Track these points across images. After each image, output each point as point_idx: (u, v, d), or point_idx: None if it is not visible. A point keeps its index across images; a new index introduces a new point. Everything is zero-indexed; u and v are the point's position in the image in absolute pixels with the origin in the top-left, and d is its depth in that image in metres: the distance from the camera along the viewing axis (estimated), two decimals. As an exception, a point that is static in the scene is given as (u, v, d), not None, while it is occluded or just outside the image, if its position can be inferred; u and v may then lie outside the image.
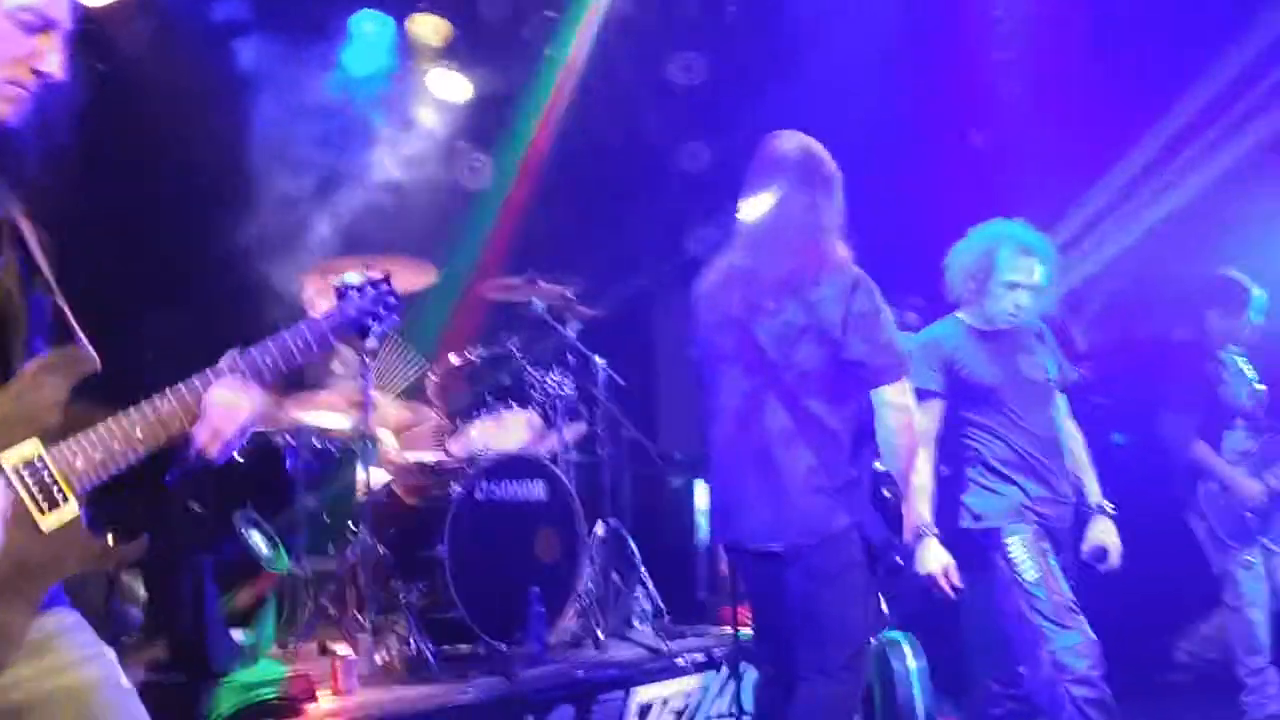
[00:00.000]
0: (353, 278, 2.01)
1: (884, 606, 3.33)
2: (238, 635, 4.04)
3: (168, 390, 1.70)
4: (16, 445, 1.55)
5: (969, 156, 6.36)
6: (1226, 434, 4.64)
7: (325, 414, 4.71)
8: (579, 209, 5.83)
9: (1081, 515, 3.77)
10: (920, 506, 3.32)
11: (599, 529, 4.75)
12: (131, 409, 1.66)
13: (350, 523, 4.39)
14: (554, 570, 4.39)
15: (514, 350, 4.71)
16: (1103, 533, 3.74)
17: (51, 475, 1.56)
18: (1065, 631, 3.35)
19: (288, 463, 4.73)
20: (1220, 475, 4.55)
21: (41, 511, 1.53)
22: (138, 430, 1.64)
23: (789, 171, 3.05)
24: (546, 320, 4.79)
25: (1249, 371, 4.71)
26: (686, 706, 4.40)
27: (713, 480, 3.26)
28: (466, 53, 5.93)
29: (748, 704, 4.59)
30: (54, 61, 1.62)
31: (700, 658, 4.43)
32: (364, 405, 4.34)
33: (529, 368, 4.68)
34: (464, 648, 4.16)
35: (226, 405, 1.70)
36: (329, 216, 4.92)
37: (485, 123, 5.98)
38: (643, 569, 4.85)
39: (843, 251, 3.01)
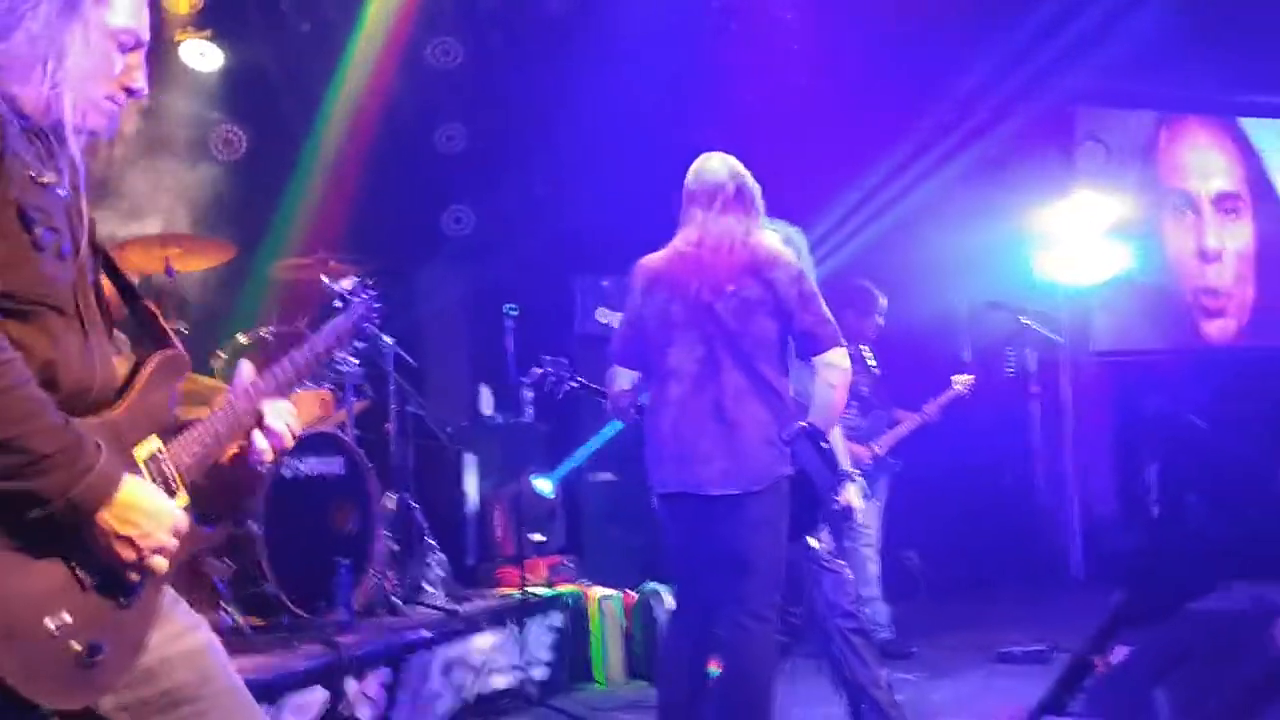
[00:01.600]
0: (347, 285, 2.17)
1: (816, 543, 3.79)
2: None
3: (233, 392, 1.82)
4: (144, 441, 1.66)
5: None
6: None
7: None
8: (346, 187, 5.89)
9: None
10: (843, 455, 4.06)
11: (389, 501, 4.95)
12: (216, 410, 1.79)
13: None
14: (354, 541, 4.55)
15: (304, 329, 4.78)
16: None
17: (169, 468, 1.68)
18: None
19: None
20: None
21: None
22: (223, 429, 1.78)
23: (725, 189, 3.54)
24: (335, 299, 4.88)
25: (871, 361, 5.70)
26: (483, 661, 4.74)
27: (659, 434, 3.54)
28: (216, 22, 5.79)
29: (533, 654, 5.01)
30: (141, 78, 1.71)
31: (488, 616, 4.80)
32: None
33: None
34: (273, 620, 4.25)
35: (290, 415, 1.85)
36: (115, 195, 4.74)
37: (242, 95, 5.88)
38: (429, 538, 5.10)
39: (778, 246, 3.57)
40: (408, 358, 5.09)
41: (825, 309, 3.54)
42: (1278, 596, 3.41)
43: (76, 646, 1.51)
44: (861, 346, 5.64)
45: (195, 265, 4.49)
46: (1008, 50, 6.91)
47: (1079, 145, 8.04)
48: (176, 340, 1.81)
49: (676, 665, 3.70)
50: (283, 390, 1.90)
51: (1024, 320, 6.82)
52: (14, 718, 1.47)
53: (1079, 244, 7.63)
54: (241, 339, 4.70)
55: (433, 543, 5.10)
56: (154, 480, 1.65)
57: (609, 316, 4.21)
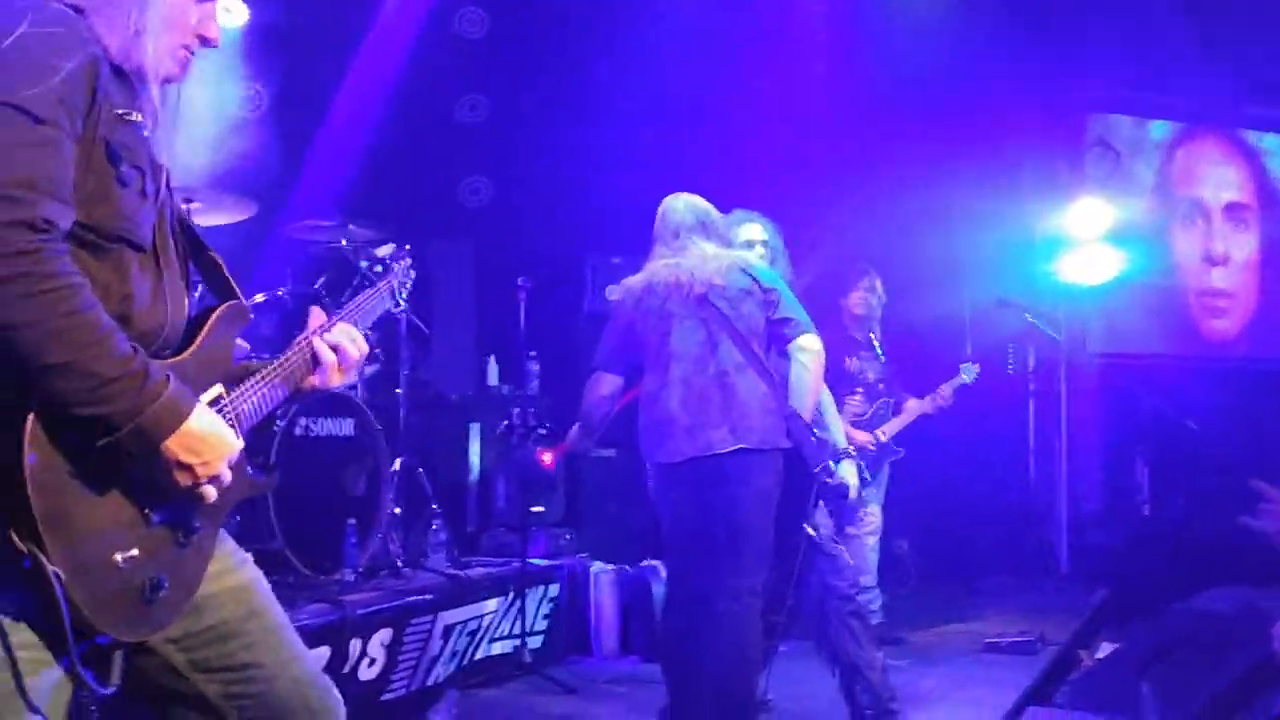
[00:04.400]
0: (385, 251, 2.25)
1: (812, 530, 3.83)
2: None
3: (294, 344, 1.90)
4: (209, 388, 1.71)
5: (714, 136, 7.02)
6: (847, 399, 5.67)
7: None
8: (366, 150, 5.92)
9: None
10: (839, 434, 4.28)
11: (395, 464, 5.01)
12: (272, 361, 1.85)
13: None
14: (361, 503, 4.61)
15: (320, 290, 4.83)
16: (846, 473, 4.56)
17: (231, 416, 1.72)
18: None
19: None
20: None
21: None
22: (277, 378, 1.84)
23: (685, 225, 3.90)
24: (353, 263, 4.94)
25: (878, 350, 5.74)
26: (480, 627, 4.82)
27: (665, 413, 3.69)
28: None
29: (530, 623, 5.09)
30: (215, 28, 1.77)
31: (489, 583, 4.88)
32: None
33: (334, 309, 4.82)
34: (279, 577, 4.32)
35: (353, 339, 1.93)
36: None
37: (266, 52, 5.89)
38: (434, 504, 5.17)
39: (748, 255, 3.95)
40: (421, 324, 5.15)
41: (795, 302, 3.81)
42: (1269, 601, 3.49)
43: (141, 581, 1.57)
44: (871, 333, 5.70)
45: (214, 220, 4.52)
46: (1024, 57, 6.98)
47: (1089, 151, 8.10)
48: (239, 291, 1.87)
49: (672, 639, 3.79)
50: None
51: (1029, 317, 6.90)
52: (84, 645, 1.52)
53: (1083, 247, 7.70)
54: (259, 298, 4.75)
55: (437, 508, 5.16)
56: None
57: (617, 294, 4.30)
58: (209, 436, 1.59)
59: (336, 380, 1.93)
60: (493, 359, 6.33)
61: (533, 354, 6.12)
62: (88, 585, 1.49)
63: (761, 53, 6.52)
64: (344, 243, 4.91)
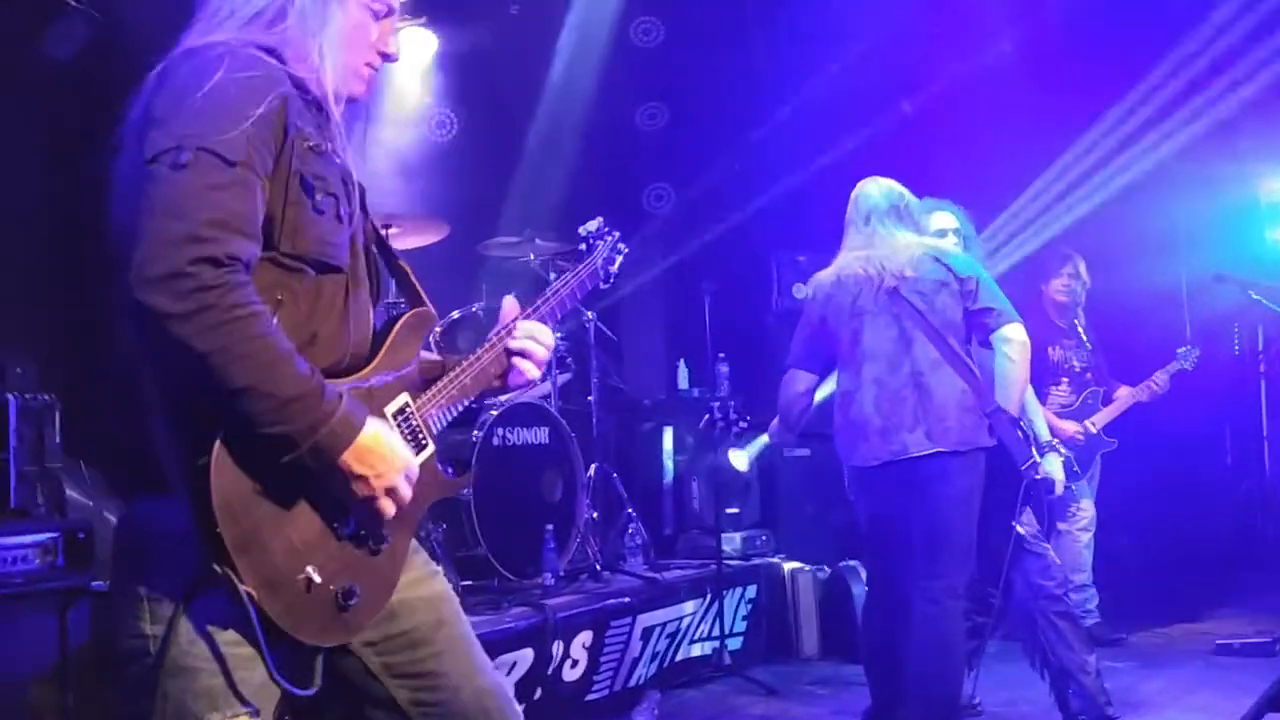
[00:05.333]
0: (591, 227, 2.26)
1: (1021, 528, 3.72)
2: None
3: (484, 343, 1.97)
4: (395, 398, 1.79)
5: (901, 125, 6.84)
6: (1052, 389, 5.40)
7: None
8: (552, 165, 6.08)
9: None
10: (1042, 426, 4.24)
11: (590, 470, 5.12)
12: (462, 362, 1.92)
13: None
14: (558, 509, 4.74)
15: (513, 303, 4.98)
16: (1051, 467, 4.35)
17: (417, 421, 1.81)
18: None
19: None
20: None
21: (414, 453, 1.77)
22: (468, 379, 1.91)
23: (879, 209, 3.81)
24: (542, 276, 5.08)
25: (1084, 337, 5.46)
26: (679, 629, 4.86)
27: (860, 415, 3.66)
28: (429, 8, 6.06)
29: (728, 625, 5.09)
30: (395, 44, 1.85)
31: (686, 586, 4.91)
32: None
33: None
34: (483, 582, 4.49)
35: (546, 334, 2.00)
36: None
37: (455, 77, 6.14)
38: (629, 507, 5.25)
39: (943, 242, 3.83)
40: (608, 332, 5.24)
41: (999, 291, 3.65)
42: None
43: (334, 590, 1.66)
44: (1075, 320, 5.45)
45: (411, 243, 4.74)
46: (1235, 4, 6.44)
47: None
48: (427, 298, 1.94)
49: (873, 641, 3.73)
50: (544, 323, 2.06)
51: (1254, 295, 6.38)
52: (286, 652, 1.62)
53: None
54: (454, 315, 4.95)
55: (632, 512, 5.24)
56: (402, 432, 1.77)
57: (805, 291, 4.26)
58: (382, 450, 1.65)
59: (534, 374, 1.99)
60: (682, 363, 6.37)
61: (722, 355, 6.13)
62: (281, 599, 1.58)
63: (943, 31, 6.31)
64: (532, 257, 5.06)
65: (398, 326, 1.84)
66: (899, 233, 3.74)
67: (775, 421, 4.07)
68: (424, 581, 1.89)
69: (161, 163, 1.52)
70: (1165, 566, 6.46)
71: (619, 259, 2.29)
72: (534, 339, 1.99)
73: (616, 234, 2.31)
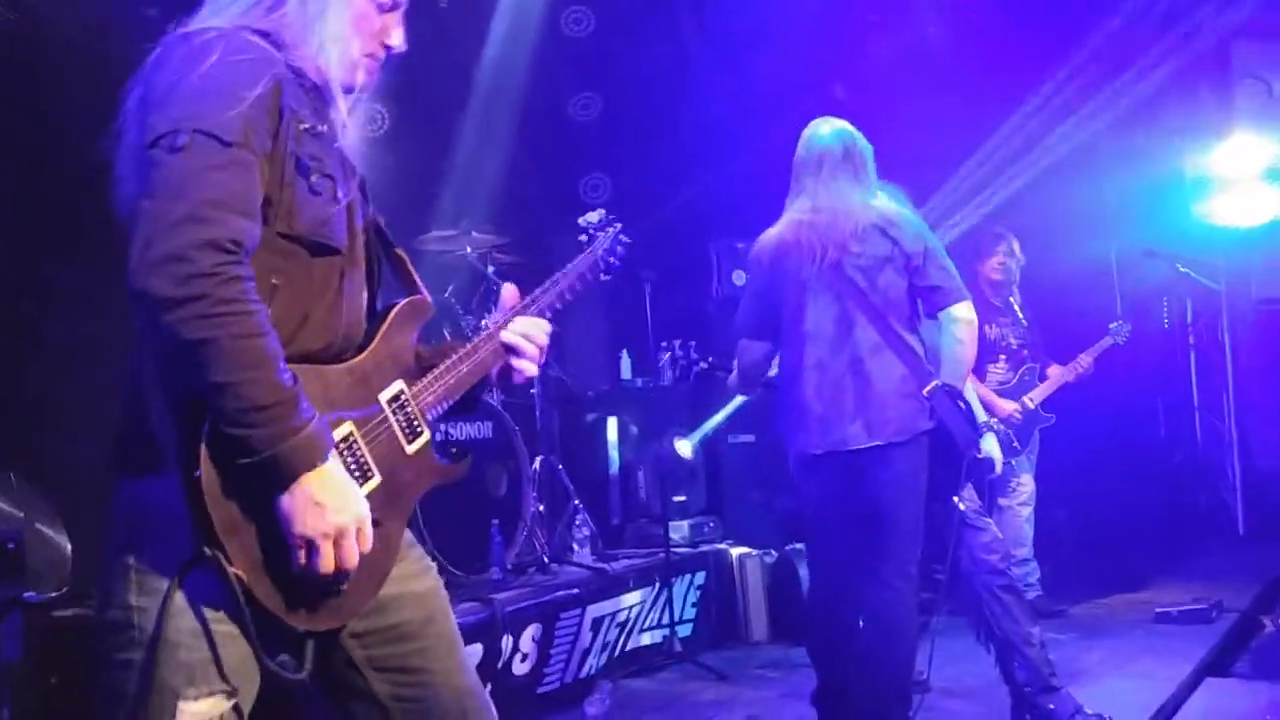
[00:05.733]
0: (593, 218, 2.23)
1: (961, 504, 3.68)
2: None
3: (482, 332, 1.96)
4: (389, 385, 1.78)
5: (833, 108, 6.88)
6: (990, 366, 5.49)
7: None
8: (486, 157, 6.03)
9: None
10: (978, 407, 4.13)
11: (535, 464, 5.10)
12: (459, 351, 1.91)
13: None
14: (504, 503, 4.71)
15: (450, 299, 4.95)
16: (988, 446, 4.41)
17: (413, 409, 1.79)
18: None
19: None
20: (981, 397, 5.31)
21: (408, 440, 1.77)
22: (466, 368, 1.90)
23: (833, 153, 3.59)
24: (479, 269, 5.04)
25: (1019, 314, 5.54)
26: (628, 619, 4.86)
27: (801, 400, 3.57)
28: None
29: (678, 612, 5.10)
30: (399, 36, 1.84)
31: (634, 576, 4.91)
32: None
33: (464, 315, 4.94)
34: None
35: (539, 330, 1.98)
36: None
37: (384, 72, 6.05)
38: (576, 499, 5.23)
39: (897, 205, 3.59)
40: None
41: (949, 264, 3.55)
42: None
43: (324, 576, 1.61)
44: (1011, 298, 5.54)
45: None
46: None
47: (1238, 83, 7.60)
48: (422, 286, 1.93)
49: (819, 624, 3.74)
50: (541, 316, 2.06)
51: (1181, 268, 6.55)
52: (275, 635, 1.61)
53: (1238, 187, 7.24)
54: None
55: (579, 504, 5.23)
56: (397, 420, 1.76)
57: (752, 253, 4.25)
58: (345, 486, 1.61)
59: (530, 371, 2.00)
60: (625, 353, 6.37)
61: (664, 345, 6.13)
62: (269, 582, 1.57)
63: (872, 15, 6.36)
64: (469, 249, 5.01)
65: (393, 313, 1.84)
66: (849, 190, 3.56)
67: (734, 375, 3.96)
68: (417, 576, 1.86)
69: (160, 147, 1.55)
70: (1103, 538, 6.60)
71: (622, 250, 2.27)
72: (525, 336, 1.98)
73: (619, 225, 2.29)
